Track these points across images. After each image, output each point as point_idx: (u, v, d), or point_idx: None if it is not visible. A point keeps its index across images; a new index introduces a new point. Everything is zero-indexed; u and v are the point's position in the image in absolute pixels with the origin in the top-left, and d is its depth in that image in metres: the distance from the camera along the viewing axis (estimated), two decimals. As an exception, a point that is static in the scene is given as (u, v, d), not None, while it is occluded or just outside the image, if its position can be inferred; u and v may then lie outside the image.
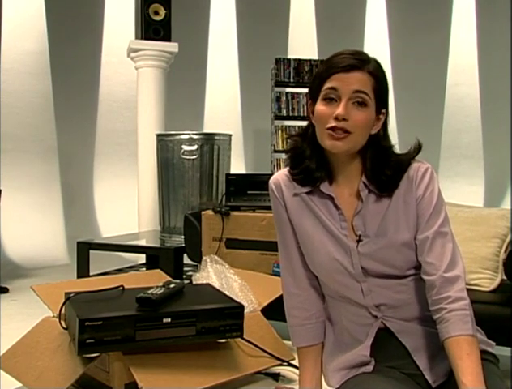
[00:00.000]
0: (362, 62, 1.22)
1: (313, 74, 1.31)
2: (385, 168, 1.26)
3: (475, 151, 5.94)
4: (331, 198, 1.30)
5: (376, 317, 1.29)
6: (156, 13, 3.98)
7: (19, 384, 1.89)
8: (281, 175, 1.36)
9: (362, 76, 1.21)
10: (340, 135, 1.21)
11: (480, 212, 2.39)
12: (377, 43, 5.87)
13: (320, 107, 1.24)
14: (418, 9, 5.82)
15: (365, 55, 1.24)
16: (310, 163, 1.30)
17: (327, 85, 1.22)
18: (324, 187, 1.30)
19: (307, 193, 1.32)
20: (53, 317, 1.99)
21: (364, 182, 1.28)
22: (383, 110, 1.27)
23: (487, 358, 1.24)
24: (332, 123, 1.20)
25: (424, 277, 1.24)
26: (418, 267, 1.27)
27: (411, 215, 1.27)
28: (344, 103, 1.20)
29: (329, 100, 1.22)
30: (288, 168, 1.36)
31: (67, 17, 5.32)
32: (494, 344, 1.32)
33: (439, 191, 1.28)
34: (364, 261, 1.26)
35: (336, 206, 1.30)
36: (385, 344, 1.29)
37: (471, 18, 5.99)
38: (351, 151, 1.25)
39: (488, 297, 2.15)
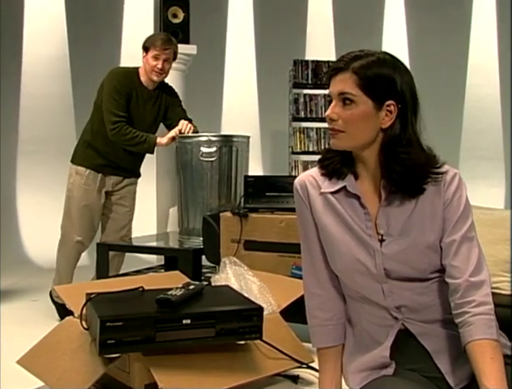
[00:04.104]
0: (348, 62, 1.24)
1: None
2: (395, 165, 1.25)
3: (495, 152, 5.87)
4: (357, 198, 1.30)
5: (396, 318, 1.28)
6: (175, 16, 4.00)
7: (41, 383, 1.92)
8: (307, 176, 1.37)
9: (345, 76, 1.24)
10: (335, 133, 1.26)
11: (500, 214, 2.37)
12: (395, 44, 5.83)
13: None
14: (437, 10, 5.76)
15: (359, 54, 1.25)
16: (337, 158, 1.32)
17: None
18: (350, 186, 1.30)
19: (333, 193, 1.32)
20: (75, 317, 2.01)
21: (386, 178, 1.28)
22: (388, 102, 1.24)
23: (510, 363, 1.23)
24: (328, 125, 1.28)
25: (449, 280, 1.23)
26: (441, 270, 1.26)
27: (438, 218, 1.26)
28: (332, 105, 1.27)
29: (329, 103, 1.28)
30: (315, 169, 1.37)
31: (87, 21, 5.37)
32: (517, 348, 1.31)
33: (467, 198, 1.28)
34: (387, 262, 1.26)
35: (362, 205, 1.30)
36: (405, 345, 1.28)
37: (491, 18, 5.92)
38: (354, 147, 1.28)
39: (510, 301, 2.12)
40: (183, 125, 3.19)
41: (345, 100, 1.24)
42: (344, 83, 1.24)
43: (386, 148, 1.26)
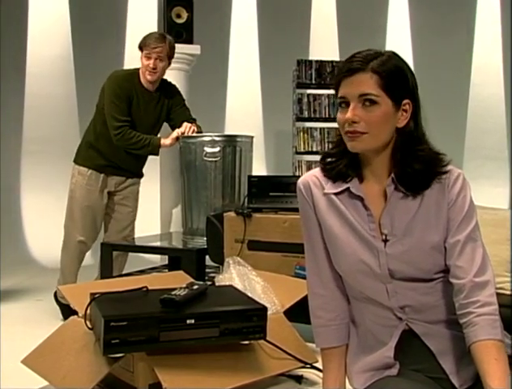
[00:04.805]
0: (364, 62, 1.22)
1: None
2: (414, 162, 1.26)
3: (499, 152, 5.86)
4: (361, 199, 1.30)
5: (401, 319, 1.28)
6: (179, 16, 4.00)
7: (46, 383, 1.92)
8: (310, 176, 1.37)
9: (365, 77, 1.22)
10: (356, 136, 1.23)
11: (504, 214, 2.36)
12: (399, 43, 5.83)
13: (338, 114, 1.27)
14: (441, 9, 5.76)
15: (372, 54, 1.24)
16: (341, 162, 1.32)
17: (339, 93, 1.26)
18: (354, 188, 1.30)
19: (337, 194, 1.32)
20: (79, 317, 2.01)
21: (392, 178, 1.28)
22: (405, 101, 1.25)
23: (514, 363, 1.23)
24: (346, 128, 1.24)
25: (453, 281, 1.23)
26: (446, 270, 1.26)
27: (442, 218, 1.26)
28: (352, 107, 1.23)
29: (344, 105, 1.25)
30: (318, 169, 1.37)
31: (91, 22, 5.38)
32: (521, 348, 1.30)
33: (471, 198, 1.28)
34: (391, 262, 1.26)
35: (365, 206, 1.29)
36: (409, 346, 1.28)
37: (495, 17, 5.91)
38: (373, 148, 1.26)
39: (510, 301, 2.11)
40: (186, 127, 3.19)
41: (366, 101, 1.22)
42: (365, 84, 1.21)
43: (402, 147, 1.27)
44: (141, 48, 3.11)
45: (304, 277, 1.51)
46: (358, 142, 1.24)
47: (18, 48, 5.31)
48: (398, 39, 5.94)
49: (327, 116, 4.90)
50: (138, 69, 3.17)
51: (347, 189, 1.31)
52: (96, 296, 1.88)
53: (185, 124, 3.20)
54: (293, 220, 2.55)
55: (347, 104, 1.24)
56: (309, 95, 4.98)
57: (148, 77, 3.09)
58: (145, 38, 3.12)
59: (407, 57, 5.70)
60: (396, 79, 1.23)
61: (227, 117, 5.88)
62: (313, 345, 1.46)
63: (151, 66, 3.05)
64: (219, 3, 5.83)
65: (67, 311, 2.78)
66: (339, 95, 1.25)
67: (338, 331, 1.38)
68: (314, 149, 4.96)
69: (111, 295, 1.89)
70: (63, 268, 3.24)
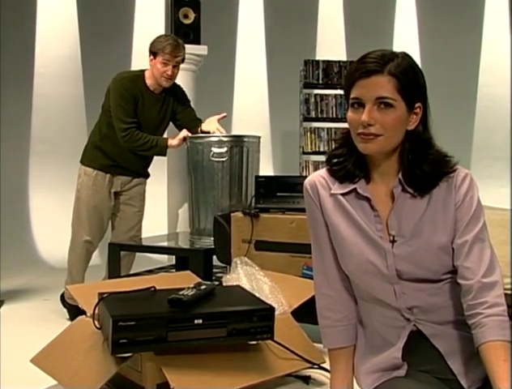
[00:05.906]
0: (381, 65, 1.21)
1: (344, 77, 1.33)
2: (422, 164, 1.26)
3: (507, 152, 5.83)
4: (368, 200, 1.30)
5: (408, 320, 1.28)
6: (186, 16, 4.01)
7: (54, 382, 1.93)
8: (317, 176, 1.37)
9: (382, 80, 1.21)
10: (370, 138, 1.22)
11: (513, 215, 2.35)
12: (406, 44, 5.80)
13: (349, 114, 1.26)
14: (449, 9, 5.74)
15: (387, 55, 1.23)
16: (348, 163, 1.31)
17: (352, 94, 1.24)
18: (361, 188, 1.30)
19: (343, 194, 1.32)
20: (87, 317, 2.02)
21: (400, 179, 1.27)
22: (417, 104, 1.25)
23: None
24: (360, 129, 1.23)
25: (461, 282, 1.22)
26: (453, 271, 1.25)
27: (450, 219, 1.26)
28: (368, 109, 1.21)
29: (357, 105, 1.24)
30: (324, 170, 1.37)
31: (98, 23, 5.41)
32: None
33: (478, 198, 1.27)
34: (399, 263, 1.26)
35: (372, 207, 1.29)
36: (417, 347, 1.28)
37: (503, 18, 5.89)
38: (384, 150, 1.26)
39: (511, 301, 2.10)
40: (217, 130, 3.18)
41: (381, 104, 1.21)
42: (383, 87, 1.21)
43: (411, 149, 1.26)
44: (155, 52, 3.07)
45: (311, 277, 1.51)
46: (371, 144, 1.23)
47: (26, 48, 5.34)
48: (406, 39, 5.92)
49: (334, 116, 4.90)
50: (143, 71, 3.17)
51: (354, 189, 1.31)
52: (104, 296, 1.89)
53: (216, 127, 3.20)
54: (300, 221, 2.55)
55: (361, 105, 1.23)
56: (316, 95, 4.98)
57: (164, 83, 3.10)
58: (160, 43, 3.07)
59: (415, 57, 5.66)
60: (411, 83, 1.23)
61: (234, 117, 5.88)
62: (321, 346, 1.46)
63: (170, 73, 3.06)
64: (227, 4, 5.84)
65: (74, 312, 2.79)
66: (353, 95, 1.24)
67: (345, 331, 1.38)
68: (321, 149, 4.96)
69: (119, 295, 1.90)
70: (70, 268, 3.25)
